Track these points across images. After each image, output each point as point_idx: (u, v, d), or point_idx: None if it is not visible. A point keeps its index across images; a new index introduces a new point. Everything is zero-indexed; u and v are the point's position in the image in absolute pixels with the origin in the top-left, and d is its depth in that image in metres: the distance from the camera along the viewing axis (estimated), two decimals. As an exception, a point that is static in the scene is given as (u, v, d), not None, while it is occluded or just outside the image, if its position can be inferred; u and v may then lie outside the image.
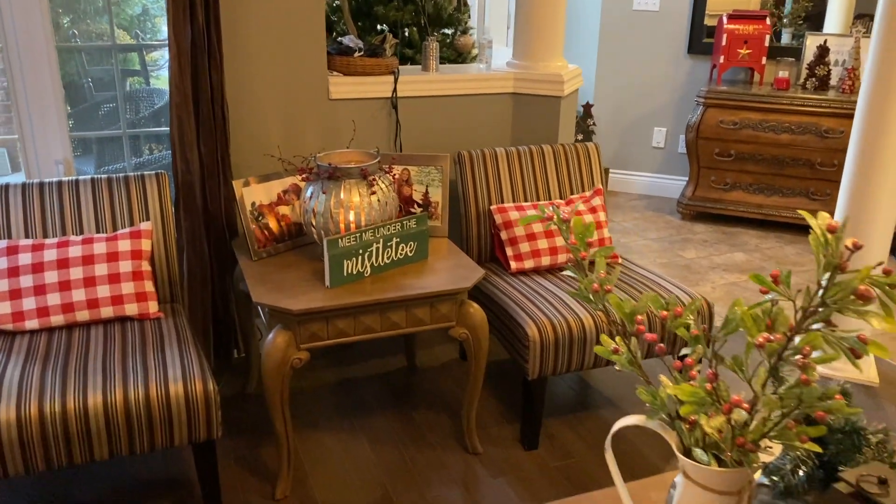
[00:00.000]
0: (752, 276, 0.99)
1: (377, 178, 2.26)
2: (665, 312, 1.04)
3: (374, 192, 2.24)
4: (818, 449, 0.95)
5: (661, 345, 1.07)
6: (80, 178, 2.36)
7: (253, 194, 2.39)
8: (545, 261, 2.68)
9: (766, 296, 0.96)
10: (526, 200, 2.85)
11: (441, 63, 3.60)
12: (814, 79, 4.59)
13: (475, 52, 3.66)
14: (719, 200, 4.78)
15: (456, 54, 3.58)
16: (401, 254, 2.31)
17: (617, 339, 1.13)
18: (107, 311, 2.20)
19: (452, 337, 2.30)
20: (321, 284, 2.19)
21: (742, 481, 1.03)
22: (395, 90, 2.89)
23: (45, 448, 1.83)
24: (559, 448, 2.49)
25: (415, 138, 3.01)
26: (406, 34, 3.76)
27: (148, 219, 2.38)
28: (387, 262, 2.28)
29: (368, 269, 2.24)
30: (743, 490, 1.04)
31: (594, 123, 5.40)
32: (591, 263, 1.14)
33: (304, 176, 2.29)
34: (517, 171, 2.84)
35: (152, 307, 2.26)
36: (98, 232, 2.33)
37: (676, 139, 5.29)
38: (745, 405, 0.95)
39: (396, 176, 2.59)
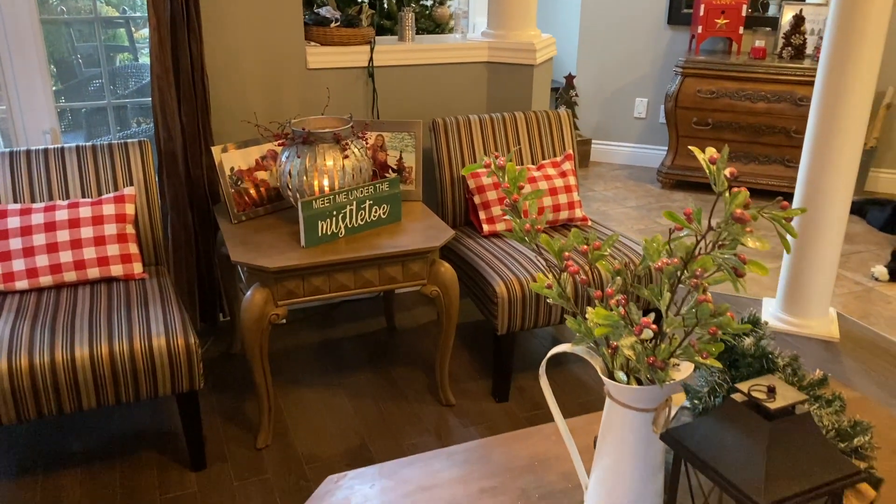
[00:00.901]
0: (666, 214, 1.10)
1: (350, 143, 2.36)
2: (586, 247, 1.15)
3: (346, 157, 2.34)
4: (718, 364, 1.06)
5: (584, 277, 1.18)
6: (66, 145, 2.45)
7: (231, 160, 2.49)
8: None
9: (681, 232, 1.08)
10: (499, 166, 2.95)
11: (419, 34, 3.68)
12: (790, 48, 4.67)
13: (453, 22, 3.74)
14: (698, 169, 4.88)
15: (434, 25, 3.66)
16: (374, 216, 2.41)
17: (550, 275, 1.24)
18: (93, 272, 2.30)
19: (426, 295, 2.41)
20: (297, 245, 2.30)
21: (658, 399, 1.14)
22: (371, 59, 2.98)
23: (35, 397, 1.94)
24: (528, 400, 2.61)
25: (392, 106, 3.10)
26: (384, 5, 3.84)
27: (132, 185, 2.48)
28: (360, 223, 2.38)
29: (343, 230, 2.34)
30: (660, 408, 1.15)
31: (577, 94, 5.48)
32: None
33: (280, 141, 2.38)
34: (490, 137, 2.94)
35: (136, 268, 2.36)
36: (84, 197, 2.43)
37: (657, 109, 5.37)
38: (653, 326, 1.06)
39: (371, 142, 2.69)
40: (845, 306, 3.36)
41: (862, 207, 4.46)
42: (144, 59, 5.11)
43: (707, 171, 0.94)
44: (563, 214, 2.86)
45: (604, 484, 1.21)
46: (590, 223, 2.92)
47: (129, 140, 2.51)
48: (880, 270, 3.62)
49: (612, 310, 1.13)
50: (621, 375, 1.15)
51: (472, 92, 3.22)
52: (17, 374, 1.91)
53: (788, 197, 4.55)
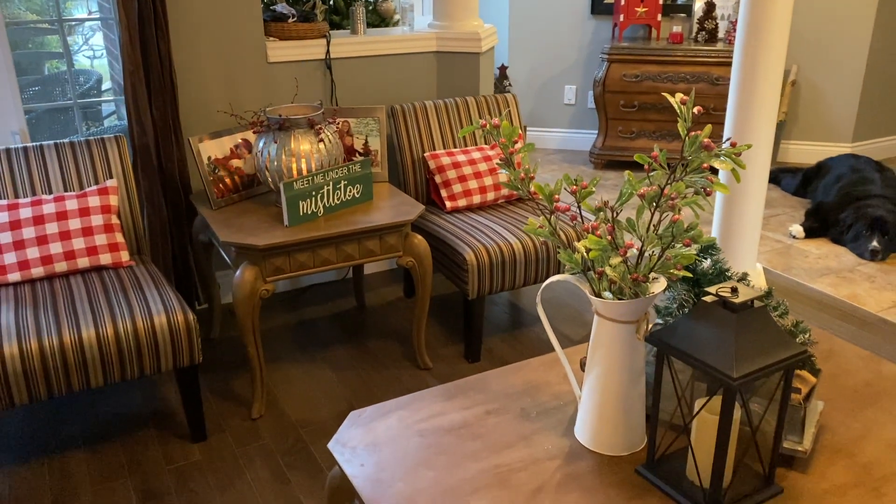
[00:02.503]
0: (637, 157, 1.34)
1: (323, 128, 2.53)
2: (575, 187, 1.37)
3: (321, 140, 2.51)
4: (690, 275, 1.30)
5: (574, 214, 1.40)
6: (45, 143, 2.53)
7: (207, 149, 2.61)
8: (476, 199, 3.00)
9: (651, 172, 1.31)
10: (455, 147, 3.16)
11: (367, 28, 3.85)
12: (704, 32, 5.05)
13: (397, 17, 3.93)
14: (626, 148, 5.21)
15: (379, 19, 3.85)
16: (349, 195, 2.59)
17: (541, 218, 1.46)
18: (83, 262, 2.40)
19: (399, 267, 2.60)
20: (280, 225, 2.45)
21: (639, 311, 1.37)
22: (328, 52, 3.14)
23: (46, 378, 2.04)
24: (498, 359, 2.83)
25: (350, 96, 3.27)
26: (332, 1, 4.00)
27: (111, 177, 2.58)
28: (337, 202, 2.55)
29: (321, 209, 2.51)
30: (640, 320, 1.38)
31: (510, 84, 5.74)
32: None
33: (255, 129, 2.53)
34: (445, 120, 3.15)
35: (124, 256, 2.47)
36: (66, 191, 2.52)
37: (586, 95, 5.69)
38: (636, 247, 1.29)
39: (338, 127, 2.86)
40: (769, 261, 3.71)
41: (776, 176, 4.87)
42: (80, 65, 5.10)
43: (678, 110, 1.17)
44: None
45: (595, 390, 1.44)
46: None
47: (105, 136, 2.61)
48: (797, 229, 4.00)
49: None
50: (608, 294, 1.37)
51: (423, 79, 3.42)
52: (28, 356, 2.01)
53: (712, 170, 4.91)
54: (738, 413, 1.27)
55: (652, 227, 1.29)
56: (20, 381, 2.01)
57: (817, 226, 4.03)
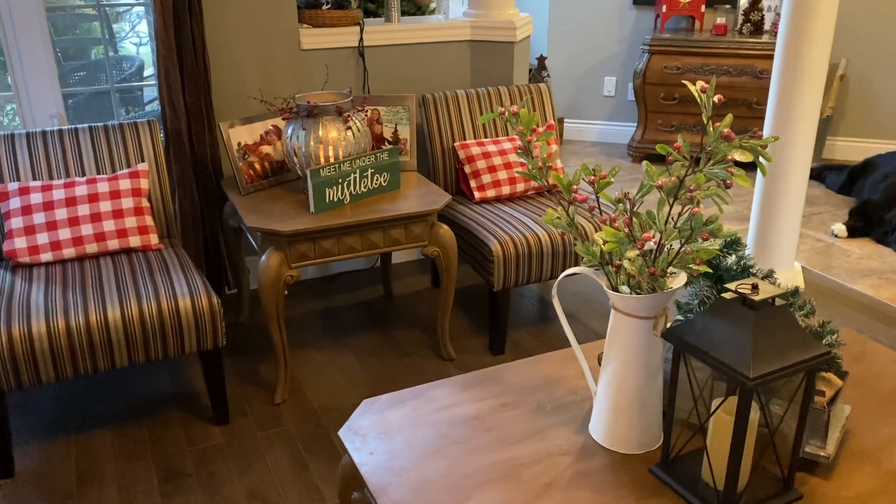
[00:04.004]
0: (660, 147, 1.29)
1: (351, 115, 2.52)
2: (593, 177, 1.34)
3: (349, 128, 2.50)
4: (710, 270, 1.26)
5: (592, 205, 1.37)
6: (79, 126, 2.58)
7: (238, 135, 2.63)
8: (505, 190, 2.97)
9: (673, 164, 1.27)
10: (486, 137, 3.13)
11: (402, 16, 3.83)
12: (749, 24, 4.92)
13: (433, 5, 3.91)
14: (666, 142, 5.10)
15: (415, 8, 3.83)
16: (376, 183, 2.58)
17: (559, 209, 1.43)
18: (113, 244, 2.44)
19: (427, 256, 2.59)
20: (306, 211, 2.46)
21: (657, 307, 1.33)
22: (361, 40, 3.13)
23: (72, 357, 2.08)
24: (523, 352, 2.81)
25: (382, 84, 3.26)
26: (367, -11, 4.00)
27: (143, 161, 2.61)
28: (363, 190, 2.55)
29: (348, 196, 2.50)
30: (659, 315, 1.35)
31: (548, 75, 5.67)
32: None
33: (284, 115, 2.53)
34: (476, 110, 3.12)
35: (153, 239, 2.50)
36: (98, 174, 2.56)
37: (626, 87, 5.59)
38: (654, 239, 1.25)
39: (367, 115, 2.85)
40: (809, 260, 3.61)
41: (821, 173, 4.74)
42: (125, 51, 5.19)
43: (698, 99, 1.13)
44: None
45: (611, 387, 1.40)
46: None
47: (138, 120, 2.64)
48: (839, 228, 3.88)
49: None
50: (625, 288, 1.34)
51: (457, 69, 3.39)
52: (55, 335, 2.05)
53: (753, 166, 4.80)
54: (755, 414, 1.23)
55: (671, 220, 1.25)
56: (47, 358, 2.05)
57: (861, 225, 3.90)
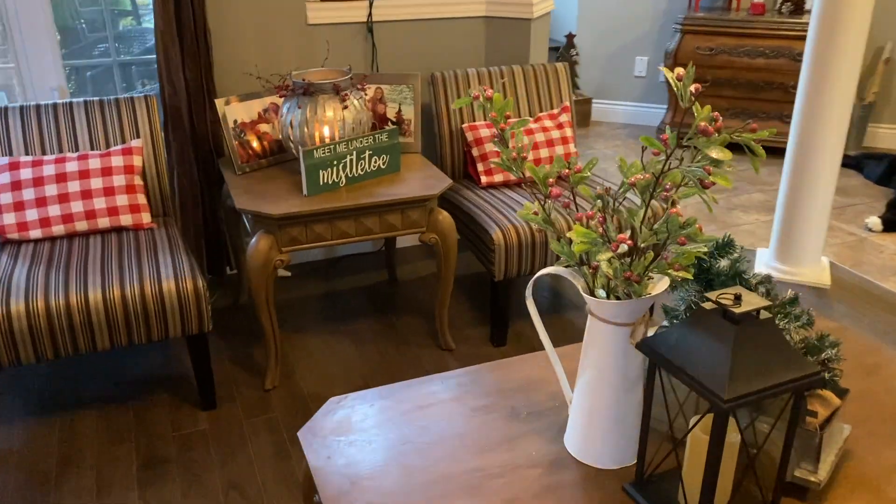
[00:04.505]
0: (643, 139, 1.17)
1: (349, 94, 2.42)
2: (567, 171, 1.22)
3: (346, 107, 2.40)
4: (690, 276, 1.14)
5: (566, 200, 1.25)
6: (74, 100, 2.52)
7: (234, 112, 2.55)
8: (514, 175, 2.85)
9: (658, 157, 1.15)
10: (496, 119, 3.00)
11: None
12: (789, 3, 4.67)
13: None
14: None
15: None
16: (374, 166, 2.48)
17: (535, 203, 1.32)
18: (103, 222, 2.39)
19: (425, 243, 2.49)
20: (300, 194, 2.37)
21: (635, 314, 1.22)
22: (370, 14, 3.02)
23: (52, 338, 2.04)
24: (525, 344, 2.70)
25: (391, 62, 3.15)
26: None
27: (138, 137, 2.55)
28: (360, 173, 2.45)
29: (343, 179, 2.41)
30: (637, 322, 1.23)
31: (577, 53, 5.50)
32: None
33: (281, 93, 2.44)
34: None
35: (145, 218, 2.45)
36: (92, 150, 2.50)
37: (658, 67, 5.38)
38: (629, 241, 1.13)
39: (370, 95, 2.75)
40: (838, 255, 3.42)
41: (860, 162, 4.50)
42: (147, 24, 5.15)
43: (674, 87, 1.01)
44: (560, 166, 2.92)
45: (585, 397, 1.30)
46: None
47: (135, 95, 2.58)
48: (874, 221, 3.68)
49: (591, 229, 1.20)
50: (601, 292, 1.22)
51: (471, 46, 3.26)
52: (34, 315, 2.00)
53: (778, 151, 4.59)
54: (735, 436, 1.11)
55: (647, 221, 1.13)
56: (26, 339, 2.01)
57: (898, 218, 3.70)
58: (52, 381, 2.50)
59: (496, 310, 2.65)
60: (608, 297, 1.22)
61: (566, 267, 1.29)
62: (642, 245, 1.14)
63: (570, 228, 1.18)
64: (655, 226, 1.11)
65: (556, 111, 3.01)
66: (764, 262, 3.28)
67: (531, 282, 1.36)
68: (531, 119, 2.98)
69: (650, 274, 1.17)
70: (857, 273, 3.25)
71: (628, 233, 1.15)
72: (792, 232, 3.14)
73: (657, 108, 5.43)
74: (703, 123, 0.99)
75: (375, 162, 2.48)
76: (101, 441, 2.21)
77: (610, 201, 1.23)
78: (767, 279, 1.35)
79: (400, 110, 2.76)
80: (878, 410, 1.42)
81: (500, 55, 3.28)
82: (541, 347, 2.67)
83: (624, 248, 1.14)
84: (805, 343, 1.28)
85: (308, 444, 1.39)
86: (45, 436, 2.23)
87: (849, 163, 4.53)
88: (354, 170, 2.42)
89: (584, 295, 1.25)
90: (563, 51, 5.46)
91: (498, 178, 2.83)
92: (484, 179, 2.83)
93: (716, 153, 0.99)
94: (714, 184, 1.03)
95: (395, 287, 3.13)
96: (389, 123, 2.78)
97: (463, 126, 2.90)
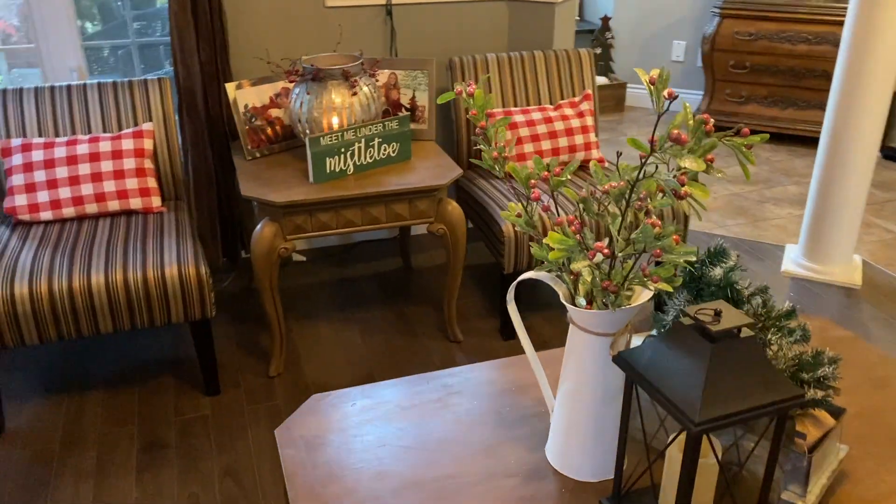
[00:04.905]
0: (630, 140, 1.11)
1: (359, 80, 2.38)
2: (547, 173, 1.17)
3: (355, 94, 2.36)
4: (669, 288, 1.08)
5: (546, 204, 1.20)
6: (88, 82, 2.53)
7: (246, 97, 2.53)
8: (531, 164, 2.78)
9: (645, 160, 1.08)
10: (515, 105, 2.94)
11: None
12: (835, -14, 4.47)
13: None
14: (734, 114, 4.76)
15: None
16: (383, 153, 2.44)
17: (519, 204, 1.26)
18: (113, 205, 2.39)
19: (433, 234, 2.45)
20: (306, 181, 2.35)
21: (615, 324, 1.16)
22: (389, -2, 2.97)
23: (55, 320, 2.05)
24: (536, 338, 2.65)
25: (411, 46, 3.09)
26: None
27: (151, 121, 2.55)
28: (369, 161, 2.41)
29: (351, 167, 2.38)
30: (619, 333, 1.18)
31: (612, 37, 5.36)
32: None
33: (290, 78, 2.41)
34: (508, 76, 2.92)
35: (155, 202, 2.45)
36: (104, 132, 2.51)
37: (696, 52, 5.22)
38: (606, 250, 1.08)
39: (384, 81, 2.70)
40: (873, 254, 3.28)
41: (904, 154, 4.32)
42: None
43: (648, 91, 0.94)
44: (580, 155, 2.85)
45: (565, 406, 1.25)
46: (606, 164, 2.90)
47: (148, 77, 2.58)
48: (913, 218, 3.52)
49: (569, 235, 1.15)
50: (581, 301, 1.17)
51: (493, 31, 3.19)
52: (37, 298, 2.02)
53: (809, 140, 4.42)
54: (711, 457, 1.06)
55: (624, 230, 1.07)
56: (30, 321, 2.03)
57: (939, 216, 3.53)
58: (66, 359, 2.54)
59: (506, 303, 2.60)
60: (592, 306, 1.17)
61: (548, 272, 1.24)
62: (620, 255, 1.08)
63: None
64: (633, 235, 1.05)
65: (577, 99, 2.93)
66: (792, 259, 3.16)
67: (513, 285, 1.31)
68: (551, 106, 2.90)
69: (630, 285, 1.11)
70: (891, 273, 3.11)
71: (607, 240, 1.09)
72: (822, 227, 3.01)
73: (694, 94, 5.27)
74: (675, 131, 0.92)
75: (385, 150, 2.44)
76: (105, 422, 2.23)
77: (595, 205, 1.18)
78: (764, 290, 1.28)
79: (414, 96, 2.71)
80: (883, 430, 1.35)
81: (523, 40, 3.20)
82: (552, 342, 2.62)
83: (600, 257, 1.09)
84: (798, 360, 1.21)
85: (284, 444, 1.37)
86: (53, 415, 2.26)
87: (892, 155, 4.34)
88: (363, 157, 2.39)
89: (564, 302, 1.20)
90: (599, 34, 5.33)
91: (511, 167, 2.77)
92: (499, 168, 2.77)
93: (689, 163, 0.93)
94: (689, 194, 0.96)
95: (409, 275, 3.09)
96: (403, 110, 2.73)
97: (480, 113, 2.83)
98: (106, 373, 2.47)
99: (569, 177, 1.15)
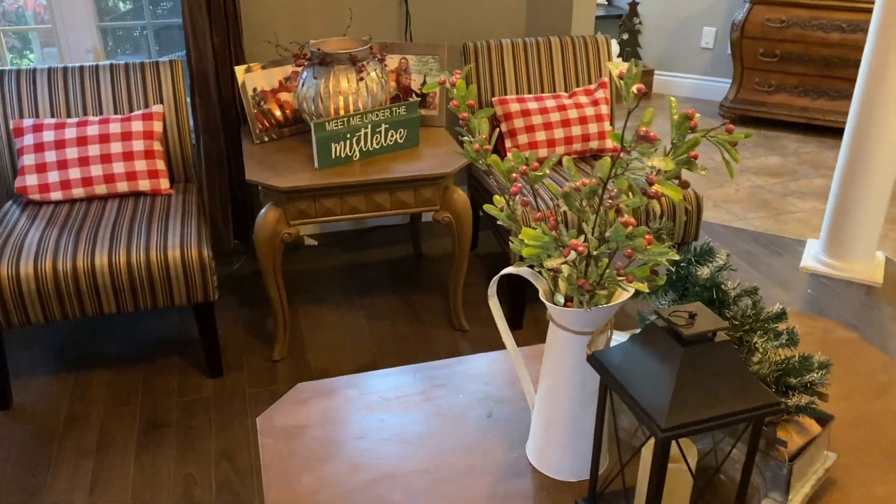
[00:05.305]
0: (611, 135, 1.08)
1: (366, 65, 2.36)
2: (525, 167, 1.14)
3: (362, 79, 2.34)
4: (645, 288, 1.05)
5: (526, 198, 1.17)
6: (100, 63, 2.55)
7: (255, 80, 2.52)
8: (542, 153, 2.74)
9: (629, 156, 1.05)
10: (529, 92, 2.89)
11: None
12: (872, -27, 4.32)
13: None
14: (762, 103, 4.64)
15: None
16: (390, 140, 2.42)
17: (504, 197, 1.23)
18: (122, 186, 2.41)
19: (438, 222, 2.42)
20: (312, 166, 2.34)
21: (594, 323, 1.14)
22: (404, -19, 2.94)
23: (59, 300, 2.08)
24: (542, 329, 2.62)
25: (427, 30, 3.05)
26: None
27: (161, 103, 2.56)
28: (376, 147, 2.40)
29: (357, 153, 2.36)
30: (597, 332, 1.15)
31: (640, 22, 5.26)
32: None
33: (298, 62, 2.40)
34: (522, 62, 2.88)
35: (163, 184, 2.46)
36: (115, 114, 2.53)
37: (726, 39, 5.10)
38: (581, 247, 1.05)
39: (394, 66, 2.68)
40: (897, 251, 3.19)
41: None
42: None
43: (618, 85, 0.91)
44: (593, 144, 2.80)
45: (544, 405, 1.23)
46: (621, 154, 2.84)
47: (160, 59, 2.58)
48: (943, 215, 3.40)
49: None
50: (559, 298, 1.14)
51: (510, 16, 3.14)
52: (42, 277, 2.05)
53: (834, 131, 4.29)
54: (682, 463, 1.03)
55: (598, 228, 1.04)
56: (34, 299, 2.06)
57: (971, 213, 3.41)
58: (75, 338, 2.58)
59: (512, 293, 2.58)
60: (573, 304, 1.14)
61: (531, 267, 1.21)
62: (595, 253, 1.05)
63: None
64: (607, 233, 1.02)
65: (592, 87, 2.87)
66: (812, 255, 3.08)
67: (494, 280, 1.28)
68: (566, 94, 2.85)
69: (607, 284, 1.08)
70: (914, 271, 3.01)
71: (582, 238, 1.06)
72: (844, 222, 2.93)
73: (722, 83, 5.15)
74: (643, 129, 0.89)
75: (392, 136, 2.41)
76: (108, 401, 2.26)
77: (578, 199, 1.14)
78: (753, 290, 1.24)
79: (425, 82, 2.68)
80: (878, 438, 1.30)
81: (541, 26, 3.14)
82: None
83: (573, 254, 1.06)
84: (784, 364, 1.17)
85: (264, 431, 1.37)
86: (59, 392, 2.30)
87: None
88: (370, 144, 2.37)
89: (542, 299, 1.17)
90: (626, 19, 5.23)
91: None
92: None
93: (658, 162, 0.89)
94: (661, 194, 0.93)
95: (419, 262, 3.08)
96: (414, 95, 2.70)
97: (493, 99, 2.80)
98: (114, 352, 2.50)
99: (547, 171, 1.12)
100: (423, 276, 2.97)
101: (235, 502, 1.92)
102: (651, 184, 0.92)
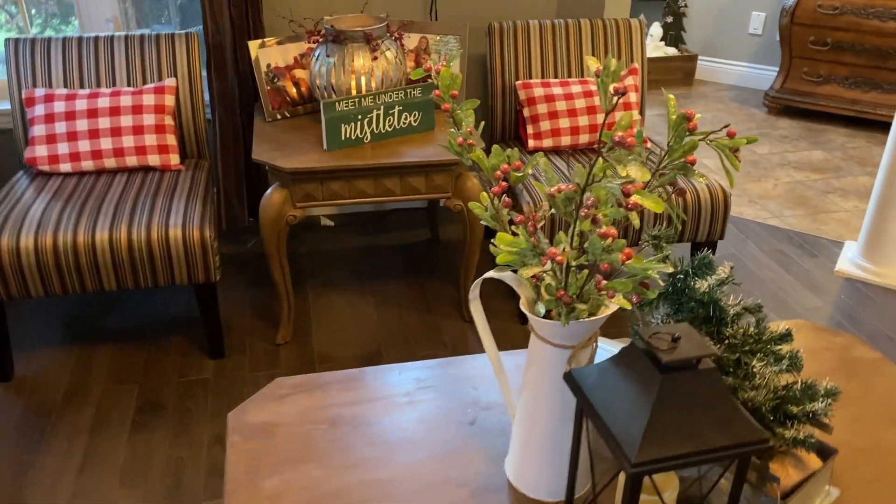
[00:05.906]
0: (604, 135, 0.98)
1: (381, 44, 2.27)
2: (507, 166, 1.05)
3: (376, 58, 2.26)
4: (627, 305, 0.96)
5: (507, 199, 1.08)
6: (115, 34, 2.51)
7: (269, 55, 2.46)
8: (565, 140, 2.64)
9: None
10: (555, 77, 2.77)
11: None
12: (936, -41, 4.06)
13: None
14: (810, 94, 4.43)
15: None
16: (404, 122, 2.34)
17: (490, 195, 1.15)
18: (131, 161, 2.38)
19: (450, 209, 2.34)
20: (321, 147, 2.27)
21: (576, 336, 1.05)
22: (430, -43, 2.83)
23: (59, 274, 2.06)
24: (555, 324, 2.53)
25: (452, 9, 2.95)
26: None
27: (175, 76, 2.51)
28: (388, 129, 2.32)
29: (368, 135, 2.29)
30: (579, 346, 1.06)
31: (685, 5, 5.05)
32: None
33: (312, 39, 2.33)
34: (549, 45, 2.76)
35: (173, 160, 2.42)
36: (128, 86, 2.49)
37: (776, 25, 4.87)
38: (560, 257, 0.96)
39: (413, 45, 2.58)
40: (942, 258, 3.00)
41: None
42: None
43: (596, 83, 0.81)
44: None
45: (522, 419, 1.15)
46: (649, 144, 2.72)
47: (176, 32, 2.53)
48: None
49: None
50: (540, 308, 1.06)
51: (541, -4, 3.01)
52: (42, 250, 2.02)
53: (878, 125, 4.07)
54: (660, 496, 0.95)
55: (575, 238, 0.95)
56: (34, 273, 2.04)
57: None
58: (81, 312, 2.57)
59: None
60: (555, 315, 1.05)
61: (514, 272, 1.12)
62: (574, 264, 0.96)
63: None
64: (586, 244, 0.93)
65: (623, 73, 2.74)
66: (848, 258, 2.92)
67: (477, 282, 1.20)
68: (593, 80, 2.73)
69: (588, 297, 1.00)
70: (959, 280, 2.83)
71: (561, 247, 0.97)
72: (885, 225, 2.76)
73: (770, 71, 4.94)
74: (619, 134, 0.79)
75: (406, 119, 2.33)
76: (108, 378, 2.25)
77: (566, 203, 1.05)
78: (757, 308, 1.14)
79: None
80: (892, 470, 1.19)
81: (573, 6, 3.01)
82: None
83: (550, 265, 0.97)
84: (785, 391, 1.07)
85: (233, 428, 1.32)
86: (60, 367, 2.29)
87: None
88: (382, 126, 2.29)
89: (522, 308, 1.09)
90: (671, 2, 5.03)
91: (547, 142, 2.63)
92: (531, 144, 2.63)
93: (632, 171, 0.80)
94: (640, 206, 0.83)
95: (435, 248, 3.00)
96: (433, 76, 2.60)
97: (517, 83, 2.69)
98: (118, 329, 2.49)
99: (530, 171, 1.03)
100: (438, 263, 2.89)
101: (222, 489, 1.88)
102: (628, 195, 0.82)
